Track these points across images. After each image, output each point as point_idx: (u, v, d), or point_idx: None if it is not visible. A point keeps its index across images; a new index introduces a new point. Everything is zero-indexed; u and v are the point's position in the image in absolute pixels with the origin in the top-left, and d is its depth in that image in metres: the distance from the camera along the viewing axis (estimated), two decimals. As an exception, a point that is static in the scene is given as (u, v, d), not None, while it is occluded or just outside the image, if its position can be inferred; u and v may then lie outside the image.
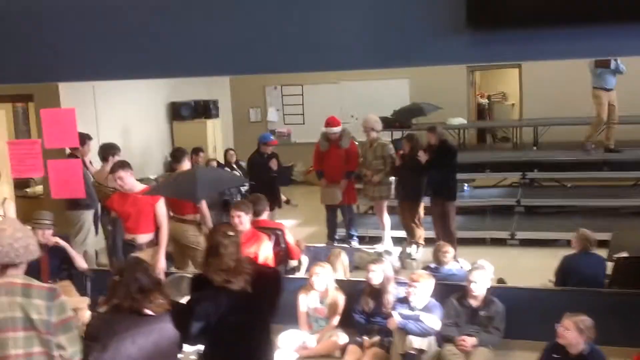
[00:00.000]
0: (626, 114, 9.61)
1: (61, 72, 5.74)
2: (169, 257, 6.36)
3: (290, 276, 6.09)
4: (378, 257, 5.56)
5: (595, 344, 4.27)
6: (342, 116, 10.51)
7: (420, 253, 7.62)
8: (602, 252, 5.70)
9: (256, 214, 5.89)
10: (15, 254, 2.99)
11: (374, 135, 7.87)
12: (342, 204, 7.97)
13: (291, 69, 5.26)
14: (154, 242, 5.68)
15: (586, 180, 9.84)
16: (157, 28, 5.13)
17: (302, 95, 13.55)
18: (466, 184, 9.99)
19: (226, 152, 10.28)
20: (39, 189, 9.04)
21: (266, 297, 3.32)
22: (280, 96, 13.73)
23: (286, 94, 13.68)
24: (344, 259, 5.95)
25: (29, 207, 7.71)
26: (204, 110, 10.97)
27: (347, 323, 5.46)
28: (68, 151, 7.04)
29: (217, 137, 11.22)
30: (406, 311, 4.96)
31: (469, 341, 4.90)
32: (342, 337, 5.32)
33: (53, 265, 5.55)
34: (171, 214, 6.27)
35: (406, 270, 6.81)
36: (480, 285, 5.03)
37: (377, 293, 5.31)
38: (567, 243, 6.08)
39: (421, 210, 7.76)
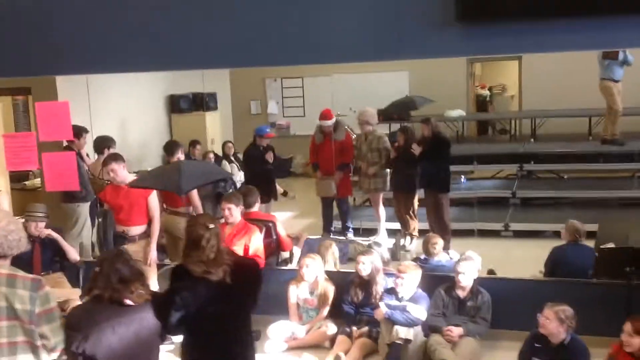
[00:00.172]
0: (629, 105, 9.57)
1: (59, 65, 5.77)
2: (163, 249, 6.43)
3: (282, 268, 6.15)
4: (367, 249, 5.59)
5: (578, 334, 4.32)
6: (341, 109, 10.58)
7: (414, 245, 7.66)
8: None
9: (247, 206, 5.95)
10: (8, 245, 3.04)
11: (369, 128, 7.90)
12: (337, 196, 8.00)
13: (284, 62, 5.30)
14: (147, 234, 5.73)
15: (583, 172, 9.84)
16: (156, 21, 5.15)
17: (302, 87, 13.58)
18: (463, 176, 10.03)
19: (224, 144, 10.34)
20: (37, 181, 9.11)
21: (245, 288, 3.36)
22: (280, 89, 13.76)
23: (286, 86, 13.72)
24: (334, 251, 5.98)
25: (27, 200, 7.76)
26: (202, 103, 11.02)
27: (337, 314, 5.52)
28: (65, 144, 7.10)
29: (215, 129, 11.26)
30: (393, 302, 5.01)
31: (456, 331, 4.95)
32: (332, 328, 5.37)
33: (45, 257, 5.62)
34: (164, 206, 6.34)
35: (399, 261, 6.84)
36: (467, 276, 5.07)
37: (366, 284, 5.36)
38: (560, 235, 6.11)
39: (415, 202, 7.80)
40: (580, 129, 10.51)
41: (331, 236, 7.91)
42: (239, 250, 5.60)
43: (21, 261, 3.26)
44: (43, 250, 5.64)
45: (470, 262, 5.15)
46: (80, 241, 6.95)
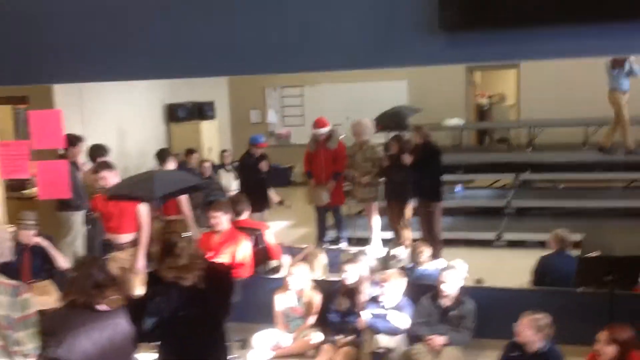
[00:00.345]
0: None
1: (55, 73, 5.83)
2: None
3: (271, 276, 6.18)
4: (353, 258, 5.62)
5: (562, 343, 4.33)
6: (340, 118, 10.63)
7: (407, 254, 7.66)
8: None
9: (236, 213, 5.99)
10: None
11: (363, 139, 7.95)
12: (330, 205, 8.04)
13: (267, 71, 5.34)
14: (136, 242, 5.78)
15: (579, 181, 9.84)
16: (149, 28, 5.20)
17: (302, 96, 13.65)
18: (459, 185, 10.06)
19: (221, 153, 10.41)
20: (35, 190, 9.17)
21: (218, 294, 3.41)
22: (279, 98, 13.84)
23: (286, 95, 13.79)
24: (322, 259, 6.01)
25: (24, 208, 7.84)
26: (200, 111, 11.10)
27: (324, 322, 5.54)
28: (62, 152, 7.17)
29: (213, 138, 11.34)
30: (376, 310, 5.02)
31: (438, 340, 4.96)
32: (317, 337, 5.40)
33: (35, 265, 5.67)
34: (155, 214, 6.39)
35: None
36: (451, 285, 5.08)
37: (351, 293, 5.38)
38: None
39: (408, 212, 7.82)
40: (577, 139, 10.51)
41: (324, 246, 7.94)
42: (226, 257, 5.67)
43: (11, 269, 3.32)
44: (32, 257, 5.68)
45: (453, 271, 5.17)
46: (73, 249, 7.01)
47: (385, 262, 7.31)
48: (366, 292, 5.32)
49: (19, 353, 3.16)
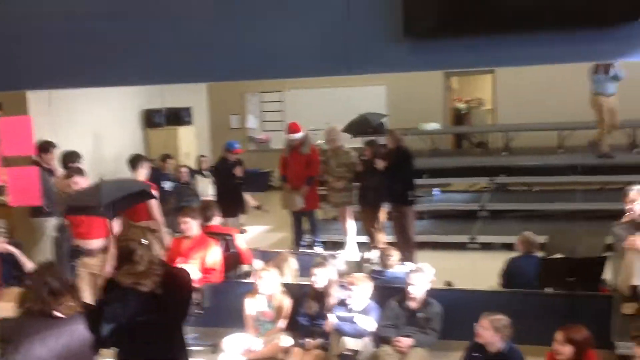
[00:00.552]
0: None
1: (27, 80, 5.85)
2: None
3: (242, 281, 6.19)
4: (322, 261, 5.65)
5: (527, 343, 4.39)
6: (319, 123, 10.66)
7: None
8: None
9: (206, 219, 6.01)
10: None
11: (337, 144, 8.00)
12: (305, 209, 8.07)
13: (233, 78, 5.40)
14: (106, 248, 5.77)
15: (553, 184, 9.93)
16: (126, 36, 5.22)
17: (281, 102, 13.68)
18: (436, 189, 10.13)
19: (198, 158, 10.41)
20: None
21: (176, 298, 3.42)
22: (259, 103, 13.87)
23: (265, 100, 13.82)
24: (292, 263, 6.04)
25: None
26: (176, 117, 11.12)
27: (294, 326, 5.56)
28: (36, 158, 7.16)
29: (190, 144, 11.35)
30: (343, 313, 5.06)
31: (405, 342, 5.00)
32: (286, 340, 5.41)
33: (5, 271, 5.67)
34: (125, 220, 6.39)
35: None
36: (417, 288, 5.13)
37: (320, 296, 5.41)
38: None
39: (382, 215, 7.87)
40: (551, 142, 10.62)
41: (299, 249, 7.98)
42: (196, 263, 5.69)
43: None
44: (3, 265, 5.68)
45: (420, 274, 5.21)
46: (47, 256, 6.99)
47: (360, 266, 7.37)
48: (335, 295, 5.35)
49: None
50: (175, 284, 3.43)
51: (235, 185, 8.28)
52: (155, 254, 3.47)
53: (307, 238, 8.45)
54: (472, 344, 4.29)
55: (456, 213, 9.42)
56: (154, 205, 6.18)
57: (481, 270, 7.36)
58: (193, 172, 9.90)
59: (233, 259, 6.06)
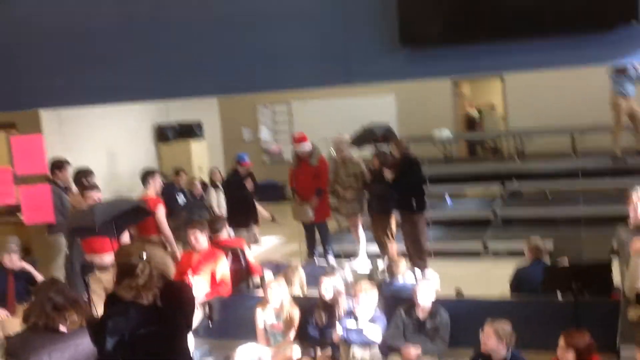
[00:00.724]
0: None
1: (40, 98, 5.93)
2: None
3: (251, 294, 6.23)
4: (330, 271, 5.68)
5: (532, 350, 4.37)
6: (330, 133, 10.69)
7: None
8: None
9: (214, 232, 6.07)
10: None
11: (345, 154, 8.05)
12: (315, 221, 8.11)
13: (226, 91, 5.43)
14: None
15: (567, 189, 9.86)
16: (130, 52, 5.27)
17: (291, 113, 13.76)
18: (448, 196, 10.12)
19: (211, 171, 10.52)
20: (27, 215, 9.27)
21: (177, 311, 3.47)
22: (271, 115, 13.97)
23: (278, 111, 13.91)
24: (301, 274, 6.08)
25: (16, 232, 7.97)
26: (188, 131, 11.26)
27: (304, 336, 5.58)
28: (50, 176, 7.28)
29: (203, 157, 11.48)
30: (351, 323, 5.08)
31: (413, 351, 5.00)
32: (296, 351, 5.43)
33: (19, 288, 5.78)
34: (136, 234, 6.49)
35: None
36: (424, 297, 5.13)
37: (329, 307, 5.44)
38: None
39: (393, 224, 7.88)
40: (565, 146, 10.55)
41: (313, 260, 8.03)
42: (206, 276, 5.75)
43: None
44: (17, 281, 5.80)
45: (426, 283, 5.22)
46: (64, 272, 7.09)
47: (371, 277, 7.39)
48: (343, 305, 5.37)
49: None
50: (175, 296, 3.47)
51: (246, 197, 8.35)
52: (155, 268, 3.49)
53: (319, 249, 8.49)
54: (477, 353, 4.28)
55: (467, 221, 9.39)
56: (162, 219, 6.26)
57: (494, 278, 7.31)
58: (206, 185, 10.01)
59: (243, 272, 6.11)
